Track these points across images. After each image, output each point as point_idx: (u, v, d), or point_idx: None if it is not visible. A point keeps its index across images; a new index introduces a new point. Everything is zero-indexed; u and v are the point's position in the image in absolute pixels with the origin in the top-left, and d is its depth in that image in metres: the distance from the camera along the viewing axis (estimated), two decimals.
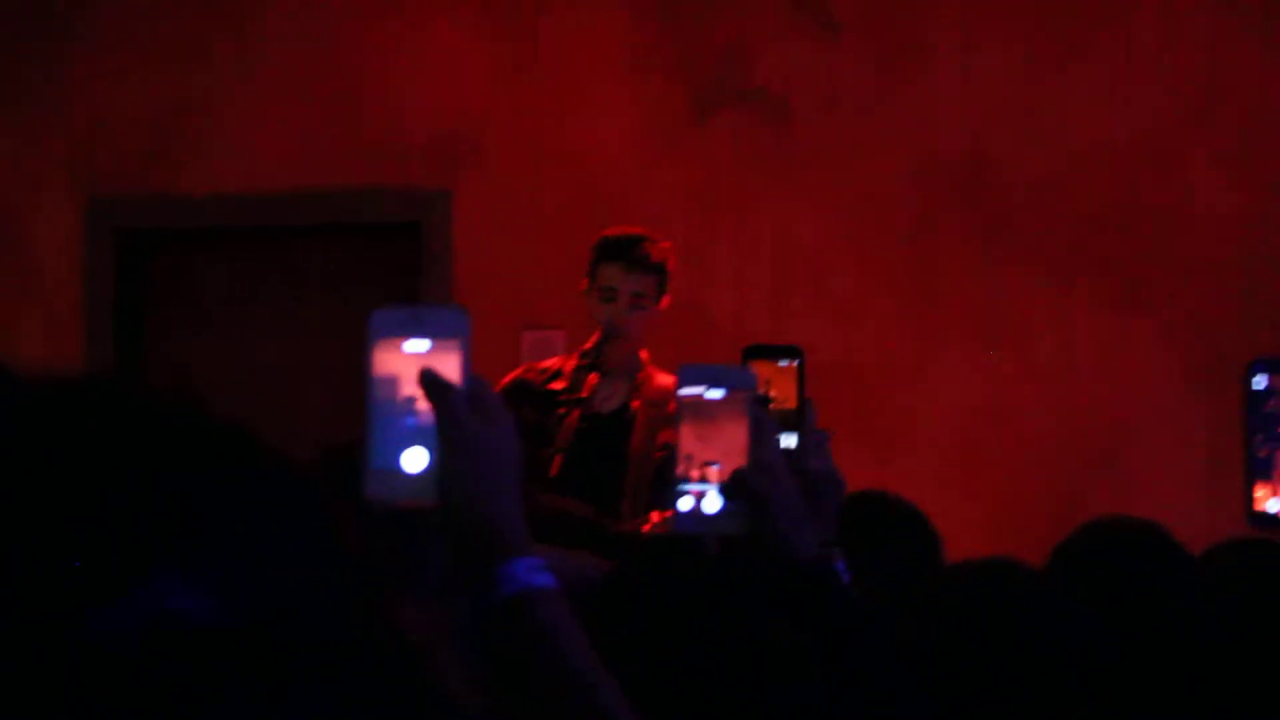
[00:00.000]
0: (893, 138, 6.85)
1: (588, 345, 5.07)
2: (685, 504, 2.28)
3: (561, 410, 4.86)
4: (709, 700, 2.25)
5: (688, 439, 2.31)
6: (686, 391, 2.32)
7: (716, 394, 2.31)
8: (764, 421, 2.32)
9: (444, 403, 1.79)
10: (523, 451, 1.85)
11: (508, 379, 5.13)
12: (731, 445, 2.29)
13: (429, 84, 7.18)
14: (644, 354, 5.19)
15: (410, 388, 1.81)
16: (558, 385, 4.94)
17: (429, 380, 1.79)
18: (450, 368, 1.81)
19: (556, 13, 7.09)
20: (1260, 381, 3.04)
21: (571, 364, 5.04)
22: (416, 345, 1.81)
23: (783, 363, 2.71)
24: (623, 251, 5.11)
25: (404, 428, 1.80)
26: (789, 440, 2.43)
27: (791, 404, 2.65)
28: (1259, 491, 2.94)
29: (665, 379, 5.13)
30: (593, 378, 4.91)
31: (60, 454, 0.93)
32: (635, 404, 5.10)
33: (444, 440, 1.78)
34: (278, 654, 0.91)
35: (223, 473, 0.97)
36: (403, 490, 1.81)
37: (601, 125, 7.05)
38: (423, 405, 1.80)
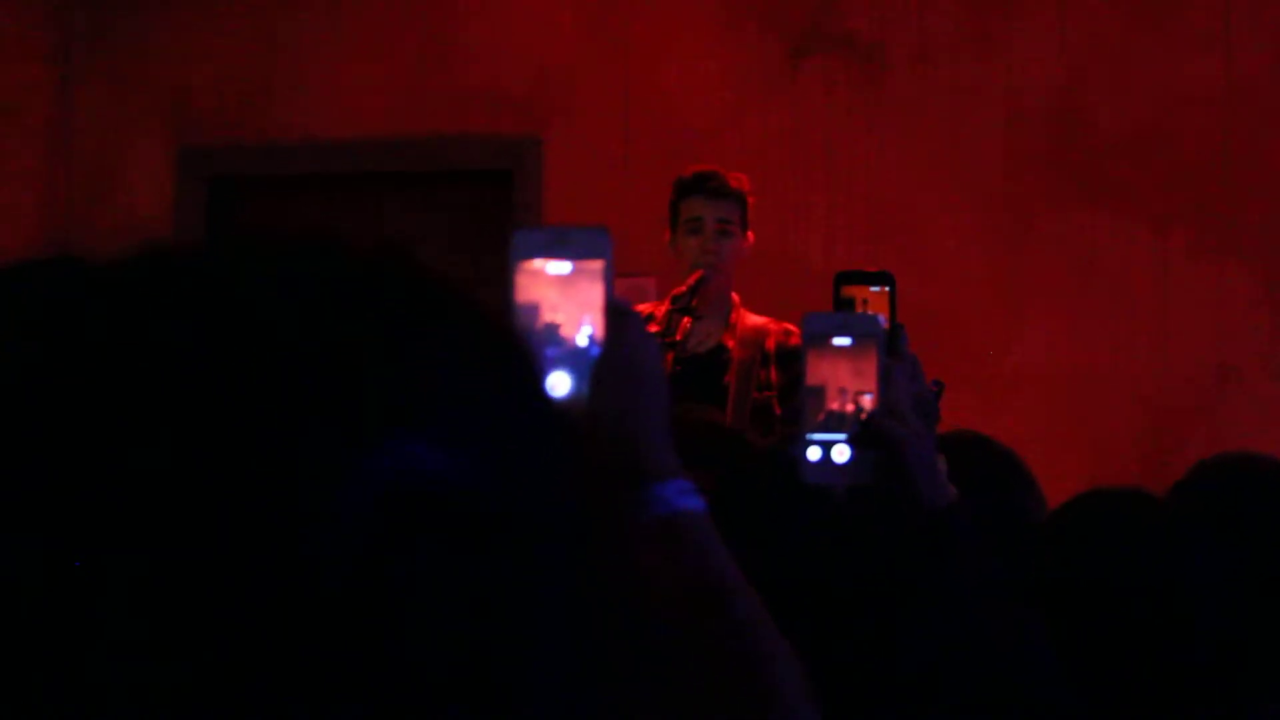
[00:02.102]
0: (985, 86, 6.83)
1: (680, 289, 5.07)
2: (814, 454, 2.22)
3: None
4: (832, 633, 2.22)
5: (814, 377, 2.25)
6: (812, 337, 2.25)
7: (843, 342, 2.26)
8: (893, 367, 2.28)
9: (621, 329, 1.74)
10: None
11: None
12: (861, 391, 2.25)
13: (519, 31, 7.18)
14: (735, 295, 5.21)
15: (554, 311, 1.75)
16: (651, 329, 4.94)
17: (614, 307, 1.74)
18: (595, 290, 1.75)
19: None
20: None
21: (664, 308, 5.05)
22: (560, 267, 1.76)
23: (874, 288, 2.71)
24: (702, 182, 5.21)
25: (549, 352, 1.74)
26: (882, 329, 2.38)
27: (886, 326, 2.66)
28: None
29: (756, 319, 5.16)
30: (686, 321, 4.92)
31: (300, 314, 0.91)
32: (730, 344, 5.13)
33: (606, 364, 1.73)
34: (525, 521, 0.90)
35: (460, 332, 0.96)
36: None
37: (692, 72, 7.05)
38: (567, 329, 1.75)
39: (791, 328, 5.12)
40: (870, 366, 2.24)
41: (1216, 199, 6.63)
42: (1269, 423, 6.45)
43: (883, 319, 2.37)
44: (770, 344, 5.13)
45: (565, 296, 1.75)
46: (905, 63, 6.88)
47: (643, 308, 5.15)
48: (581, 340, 1.74)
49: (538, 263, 1.75)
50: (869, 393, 2.23)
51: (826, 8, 6.94)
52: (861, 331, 2.26)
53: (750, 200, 5.24)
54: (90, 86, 7.50)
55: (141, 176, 7.50)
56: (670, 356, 4.85)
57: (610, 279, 1.75)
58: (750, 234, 5.23)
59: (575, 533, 0.95)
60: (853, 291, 2.67)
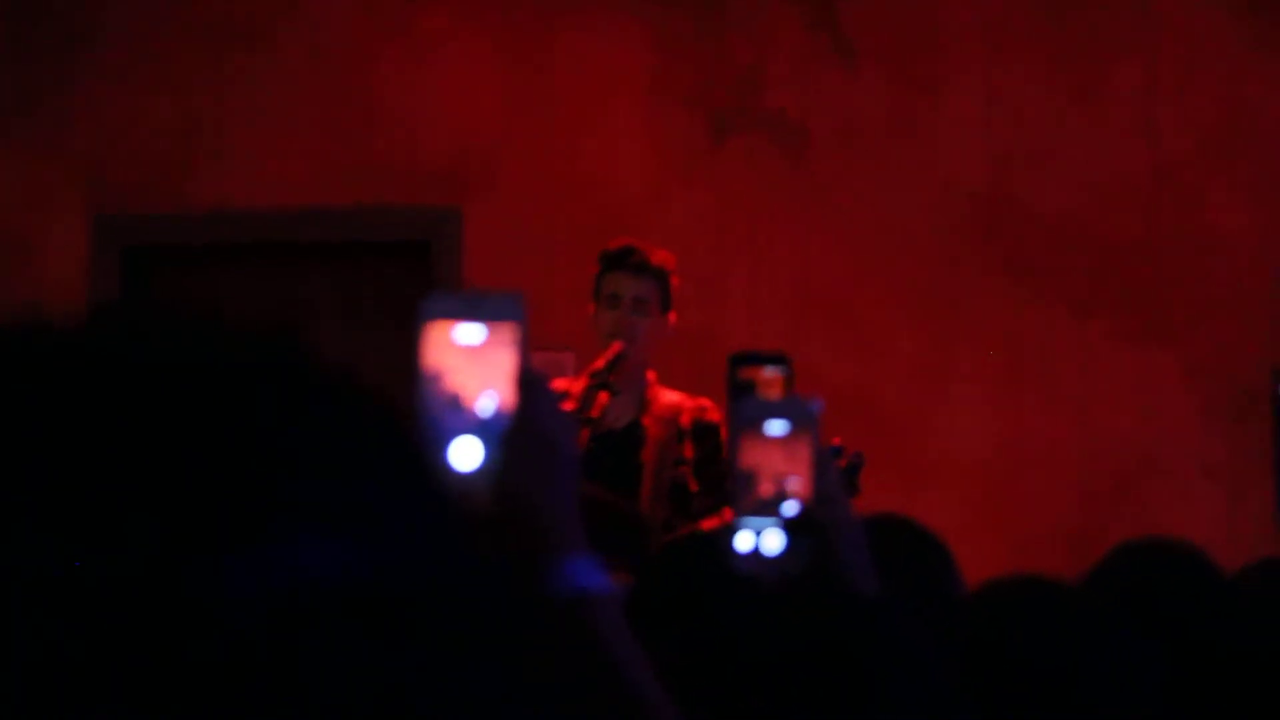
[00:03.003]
0: (911, 167, 6.85)
1: (597, 365, 5.05)
2: (744, 542, 2.17)
3: None
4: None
5: (745, 464, 2.20)
6: (745, 422, 2.21)
7: (775, 428, 2.21)
8: (825, 453, 2.25)
9: (531, 397, 1.69)
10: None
11: None
12: (793, 478, 2.20)
13: (441, 103, 7.17)
14: (650, 374, 5.21)
15: (463, 378, 1.70)
16: (567, 406, 4.90)
17: (524, 374, 1.69)
18: (506, 357, 1.70)
19: (571, 34, 7.09)
20: None
21: (580, 384, 5.03)
22: (471, 332, 1.71)
23: (769, 370, 2.68)
24: (623, 258, 5.19)
25: (457, 420, 1.69)
26: (817, 411, 2.33)
27: None
28: None
29: (671, 395, 5.19)
30: (603, 396, 4.91)
31: (186, 402, 0.89)
32: (645, 420, 5.12)
33: (516, 435, 1.69)
34: (402, 610, 0.89)
35: (347, 421, 0.94)
36: (455, 487, 1.70)
37: (616, 148, 7.05)
38: (476, 397, 1.70)
39: (706, 403, 5.13)
40: (803, 452, 2.20)
41: (1140, 284, 6.68)
42: (1191, 508, 6.49)
43: (817, 404, 2.33)
44: (685, 420, 5.14)
45: (476, 363, 1.70)
46: (830, 141, 6.90)
47: (559, 383, 5.12)
48: (489, 409, 1.69)
49: (449, 326, 1.70)
50: (798, 477, 2.19)
51: (751, 86, 6.95)
52: (795, 416, 2.22)
53: (673, 280, 5.22)
54: (7, 155, 7.43)
55: (56, 246, 7.44)
56: (586, 432, 4.83)
57: (524, 345, 1.70)
58: (673, 314, 5.21)
59: (469, 616, 0.92)
60: (749, 373, 2.65)
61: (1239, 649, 2.78)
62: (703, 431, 5.11)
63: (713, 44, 6.99)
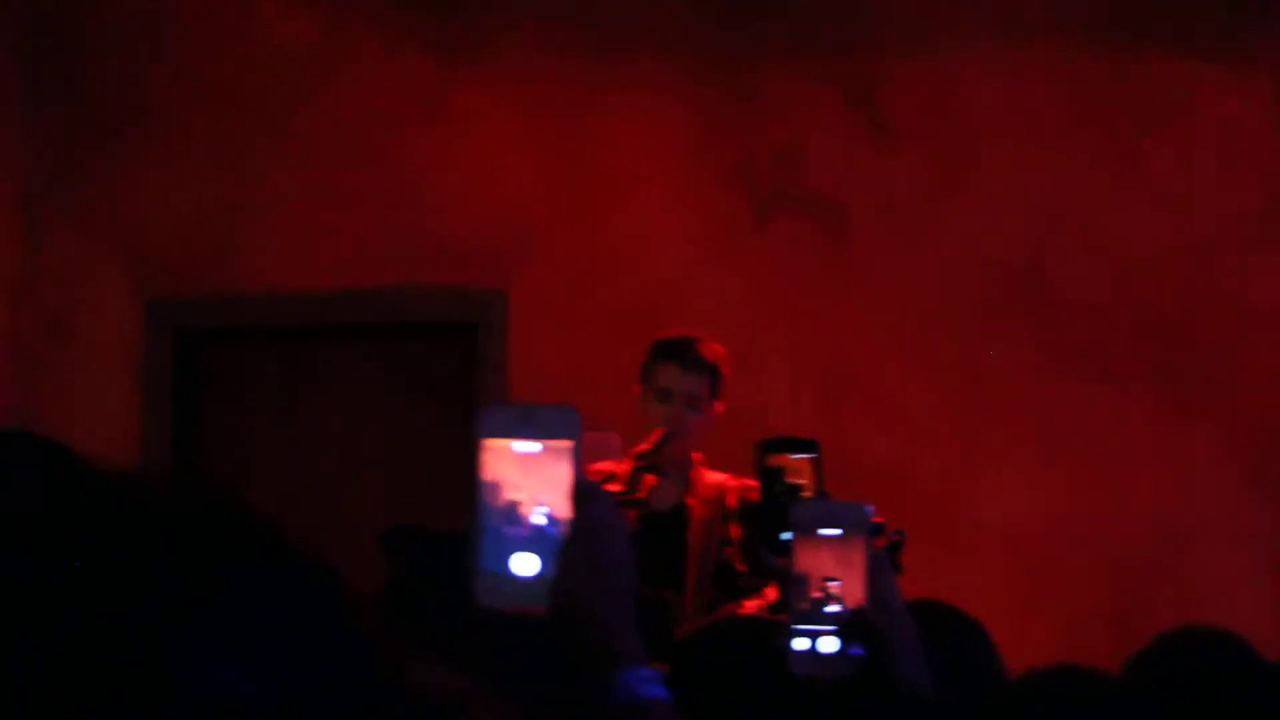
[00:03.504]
0: (948, 244, 6.87)
1: (643, 447, 5.07)
2: (801, 645, 2.23)
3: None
4: None
5: (801, 567, 2.26)
6: (801, 526, 2.27)
7: (831, 533, 2.27)
8: (882, 560, 2.30)
9: (586, 510, 1.75)
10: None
11: None
12: (849, 582, 2.25)
13: (482, 182, 7.21)
14: (695, 455, 5.22)
15: (521, 490, 1.77)
16: (613, 488, 4.94)
17: (580, 487, 1.75)
18: (562, 469, 1.77)
19: (610, 113, 7.13)
20: None
21: (626, 466, 5.05)
22: (527, 446, 1.77)
23: (797, 456, 2.72)
24: (678, 352, 5.17)
25: (515, 531, 1.76)
26: (869, 519, 2.41)
27: (809, 491, 2.68)
28: None
29: (716, 476, 5.18)
30: (649, 478, 4.92)
31: (112, 542, 0.99)
32: (690, 501, 5.13)
33: (573, 546, 1.75)
34: None
35: (255, 562, 1.05)
36: (513, 595, 1.76)
37: (656, 226, 7.08)
38: (533, 509, 1.76)
39: (752, 483, 5.12)
40: (857, 556, 2.25)
41: (1177, 359, 6.68)
42: (1232, 586, 6.46)
43: (871, 510, 2.37)
44: (730, 500, 5.14)
45: (531, 475, 1.76)
46: (868, 219, 6.92)
47: (604, 465, 5.14)
48: (544, 520, 1.75)
49: (505, 441, 1.76)
50: (854, 582, 2.23)
51: (792, 167, 6.99)
52: (849, 522, 2.27)
53: (725, 372, 5.23)
54: (55, 238, 7.50)
55: (107, 325, 7.50)
56: (633, 514, 4.85)
57: (579, 458, 1.76)
58: (720, 404, 5.22)
59: None
60: (779, 460, 2.68)
61: None
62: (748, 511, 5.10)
63: (749, 120, 7.03)
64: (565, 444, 1.76)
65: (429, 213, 7.24)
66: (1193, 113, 6.76)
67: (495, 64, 7.20)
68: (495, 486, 1.76)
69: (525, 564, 1.76)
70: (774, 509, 2.79)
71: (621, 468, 5.07)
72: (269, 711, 0.95)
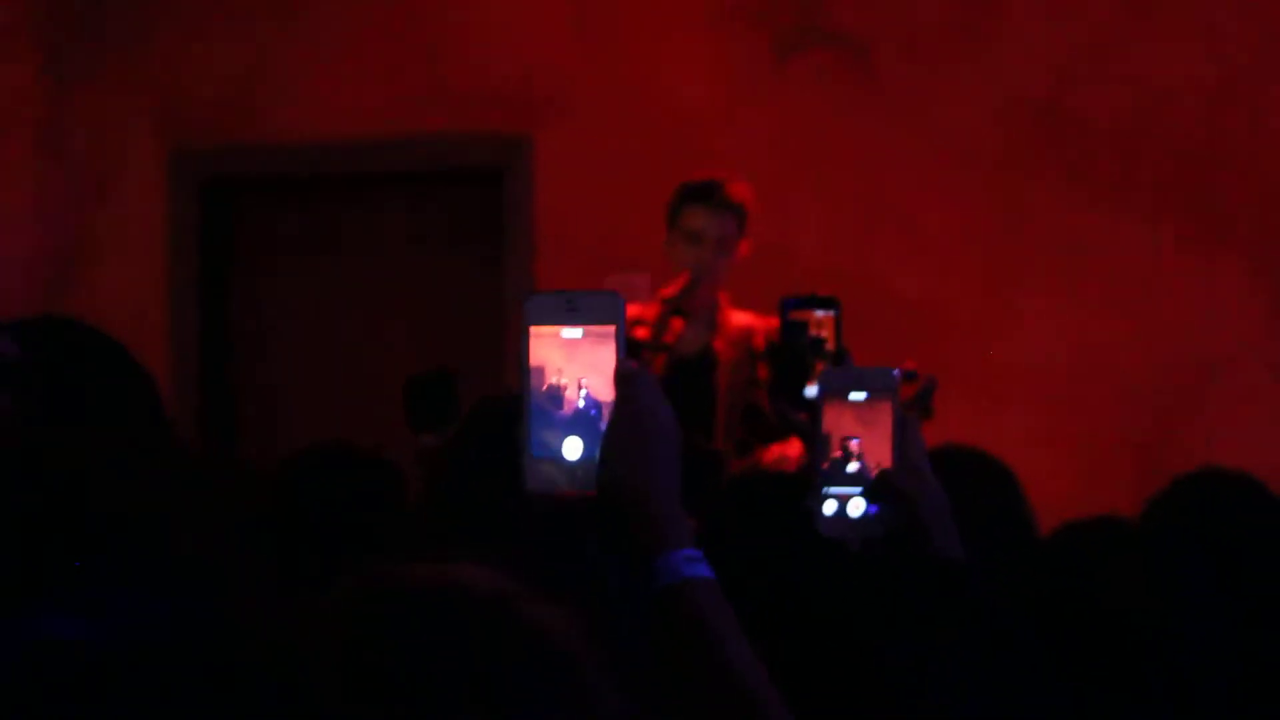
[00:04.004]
0: (974, 79, 6.86)
1: (670, 291, 5.10)
2: (829, 507, 2.26)
3: (646, 356, 4.90)
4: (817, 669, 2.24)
5: (828, 430, 2.29)
6: (829, 390, 2.30)
7: (859, 396, 2.30)
8: (909, 423, 2.32)
9: (631, 392, 1.79)
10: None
11: None
12: (876, 445, 2.29)
13: (509, 32, 7.21)
14: (722, 295, 5.22)
15: (566, 375, 1.81)
16: (641, 333, 4.97)
17: (622, 370, 1.79)
18: (605, 353, 1.81)
19: None
20: None
21: (654, 310, 5.09)
22: (571, 333, 1.81)
23: (820, 312, 2.76)
24: (707, 194, 5.20)
25: (561, 416, 1.81)
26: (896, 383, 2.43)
27: (830, 345, 2.78)
28: None
29: (743, 317, 5.20)
30: (676, 322, 4.95)
31: None
32: (718, 344, 5.15)
33: (618, 428, 1.78)
34: (152, 673, 0.98)
35: (94, 510, 1.07)
36: (563, 479, 1.81)
37: (682, 71, 7.07)
38: (579, 393, 1.80)
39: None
40: (885, 419, 2.28)
41: (1205, 190, 6.67)
42: (1260, 414, 6.51)
43: (897, 372, 2.40)
44: (758, 341, 5.16)
45: (575, 360, 1.81)
46: (893, 58, 6.92)
47: (632, 309, 5.16)
48: (588, 402, 1.80)
49: (550, 327, 1.81)
50: (881, 445, 2.26)
51: (814, 4, 6.97)
52: (878, 386, 2.31)
53: (752, 212, 5.25)
54: (83, 89, 7.54)
55: (135, 178, 7.54)
56: (662, 359, 4.87)
57: (621, 342, 1.81)
58: (747, 243, 5.24)
59: (217, 678, 1.01)
60: (801, 315, 2.71)
61: None
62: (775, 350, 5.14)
63: None
64: (608, 329, 1.80)
65: (454, 60, 7.24)
66: None
67: None
68: (540, 371, 1.81)
69: (571, 447, 1.79)
70: (797, 363, 2.84)
71: (649, 312, 5.11)
72: (105, 657, 0.97)
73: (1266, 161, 6.64)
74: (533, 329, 1.81)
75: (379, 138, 7.31)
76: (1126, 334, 6.67)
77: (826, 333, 2.83)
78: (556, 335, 1.81)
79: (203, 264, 7.56)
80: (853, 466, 2.28)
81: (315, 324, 7.50)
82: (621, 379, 1.79)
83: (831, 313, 2.80)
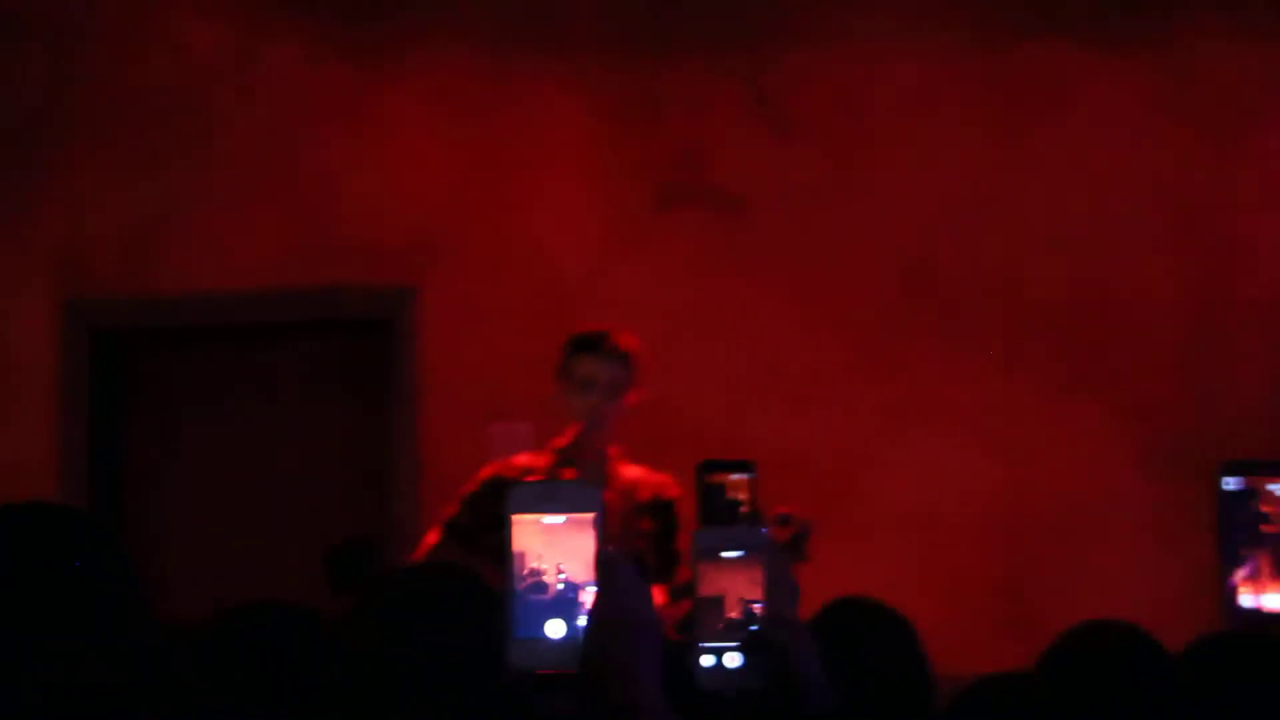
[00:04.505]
0: (847, 232, 6.96)
1: (562, 442, 5.17)
2: (707, 661, 2.32)
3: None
4: None
5: (706, 590, 2.36)
6: (702, 552, 2.37)
7: (732, 555, 2.37)
8: (780, 574, 2.40)
9: (611, 579, 1.88)
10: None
11: (481, 475, 5.27)
12: (746, 596, 2.36)
13: (393, 185, 7.29)
14: (612, 449, 5.30)
15: (547, 561, 1.92)
16: (532, 480, 5.03)
17: (603, 558, 1.89)
18: (585, 539, 1.92)
19: (515, 113, 7.21)
20: (1232, 483, 3.11)
21: (545, 460, 5.15)
22: (553, 520, 1.92)
23: (734, 476, 2.91)
24: (595, 343, 5.25)
25: (544, 599, 1.91)
26: (768, 542, 2.48)
27: (748, 508, 2.86)
28: (1241, 588, 3.03)
29: (633, 471, 5.24)
30: (569, 472, 5.01)
31: None
32: (606, 495, 5.19)
33: (602, 610, 1.87)
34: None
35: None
36: (545, 658, 1.91)
37: (562, 222, 7.16)
38: (559, 577, 1.91)
39: (666, 479, 5.24)
40: (757, 576, 2.36)
41: (1067, 337, 6.80)
42: (1116, 550, 6.62)
43: (765, 531, 2.48)
44: (643, 495, 5.21)
45: (555, 545, 1.92)
46: (769, 210, 7.02)
47: (522, 459, 5.25)
48: (567, 586, 1.91)
49: (530, 516, 1.92)
50: (753, 600, 2.35)
51: (689, 159, 7.08)
52: (750, 545, 2.38)
53: (639, 362, 5.30)
54: None
55: (25, 329, 7.54)
56: None
57: (601, 529, 1.93)
58: (635, 392, 5.29)
59: None
60: (718, 478, 2.85)
61: None
62: (659, 508, 5.20)
63: (650, 118, 7.12)
64: (588, 516, 1.93)
65: (344, 214, 7.32)
66: (1076, 100, 6.86)
67: (409, 68, 7.27)
68: (522, 556, 1.92)
69: (553, 629, 1.91)
70: (714, 524, 2.95)
71: (540, 461, 5.17)
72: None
73: (1125, 318, 6.77)
74: (515, 517, 1.92)
75: (269, 289, 7.35)
76: (993, 477, 6.75)
77: (744, 495, 2.92)
78: (537, 522, 1.92)
79: (93, 412, 7.54)
80: (729, 621, 2.34)
81: (209, 473, 7.49)
82: (602, 565, 1.89)
83: (747, 475, 2.89)
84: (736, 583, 2.35)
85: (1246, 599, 3.05)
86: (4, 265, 7.57)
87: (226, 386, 7.59)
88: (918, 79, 6.99)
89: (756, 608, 2.34)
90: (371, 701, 2.14)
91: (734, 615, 2.33)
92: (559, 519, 1.91)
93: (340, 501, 7.31)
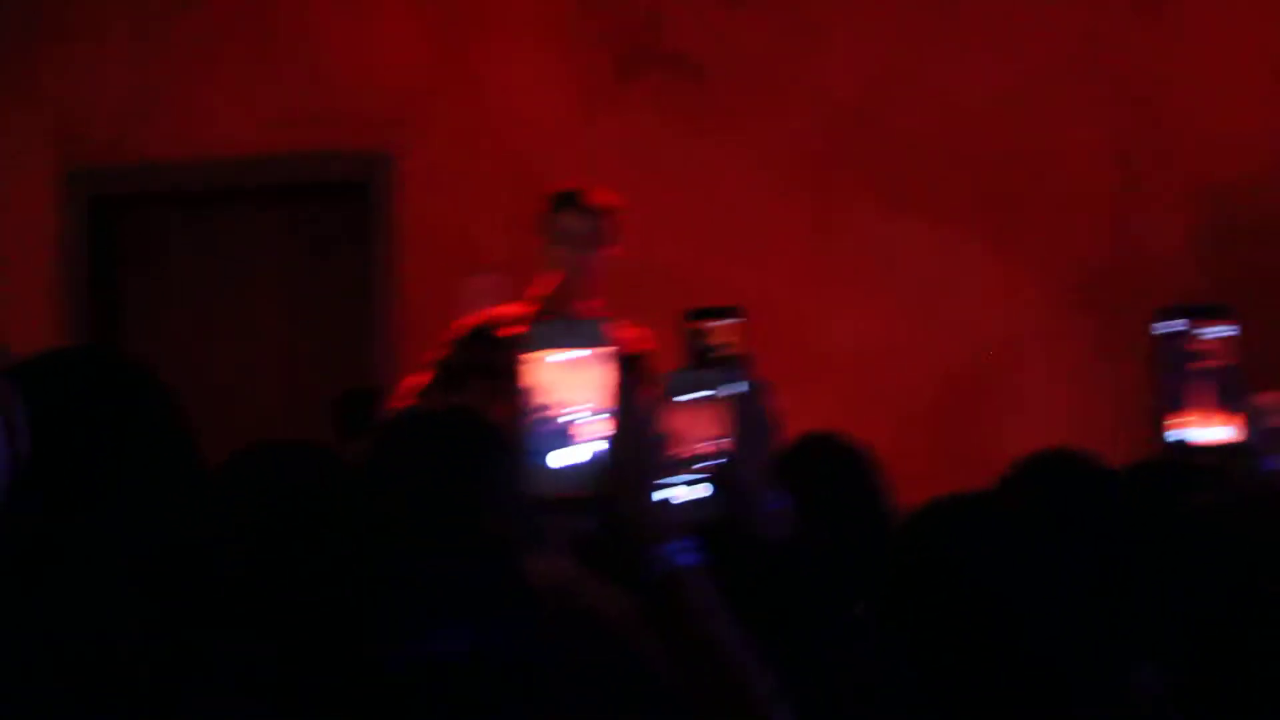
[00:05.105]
0: (794, 96, 7.13)
1: (545, 291, 5.34)
2: (673, 493, 2.33)
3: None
4: None
5: (666, 427, 2.36)
6: (680, 396, 2.42)
7: (702, 395, 2.43)
8: (753, 414, 2.48)
9: (628, 404, 1.94)
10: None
11: (468, 323, 5.41)
12: (715, 434, 2.44)
13: (374, 57, 7.47)
14: (594, 302, 5.40)
15: (562, 393, 1.95)
16: (521, 329, 5.22)
17: (621, 389, 1.96)
18: (602, 371, 1.97)
19: None
20: (1163, 327, 3.24)
21: (533, 309, 5.31)
22: (566, 355, 1.96)
23: (720, 322, 3.08)
24: (574, 198, 5.43)
25: (558, 428, 1.95)
26: (741, 386, 2.53)
27: (732, 351, 3.00)
28: (1169, 421, 3.23)
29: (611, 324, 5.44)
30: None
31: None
32: None
33: (622, 436, 1.94)
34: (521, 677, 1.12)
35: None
36: (563, 483, 1.94)
37: (530, 89, 7.33)
38: (572, 408, 1.95)
39: (643, 333, 5.27)
40: (727, 414, 2.44)
41: (998, 192, 6.95)
42: (1046, 389, 6.84)
43: (739, 381, 2.50)
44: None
45: (574, 378, 1.96)
46: (724, 76, 7.19)
47: (507, 309, 5.41)
48: (587, 415, 1.96)
49: (555, 351, 1.98)
50: (708, 439, 2.42)
51: (649, 28, 7.26)
52: (719, 384, 2.45)
53: (616, 217, 5.44)
54: None
55: (26, 197, 7.73)
56: None
57: (616, 361, 1.99)
58: (615, 248, 5.43)
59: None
60: (704, 325, 3.05)
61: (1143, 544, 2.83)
62: (627, 360, 5.36)
63: None
64: (607, 349, 1.97)
65: (322, 85, 7.51)
66: None
67: None
68: (542, 389, 1.95)
69: (572, 455, 1.95)
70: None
71: (526, 310, 5.33)
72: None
73: (1052, 170, 6.91)
74: (532, 354, 1.97)
75: (253, 155, 7.55)
76: (931, 323, 6.94)
77: (733, 339, 3.08)
78: (552, 358, 1.97)
79: (92, 276, 7.73)
80: (683, 458, 2.38)
81: (198, 328, 7.67)
82: (622, 392, 1.96)
83: (734, 320, 3.06)
84: (705, 421, 2.41)
85: (1173, 432, 3.23)
86: (8, 131, 7.73)
87: (214, 248, 7.76)
88: None
89: (724, 443, 2.40)
90: (395, 539, 2.20)
91: (702, 450, 2.39)
92: (575, 354, 1.96)
93: (322, 353, 7.51)
